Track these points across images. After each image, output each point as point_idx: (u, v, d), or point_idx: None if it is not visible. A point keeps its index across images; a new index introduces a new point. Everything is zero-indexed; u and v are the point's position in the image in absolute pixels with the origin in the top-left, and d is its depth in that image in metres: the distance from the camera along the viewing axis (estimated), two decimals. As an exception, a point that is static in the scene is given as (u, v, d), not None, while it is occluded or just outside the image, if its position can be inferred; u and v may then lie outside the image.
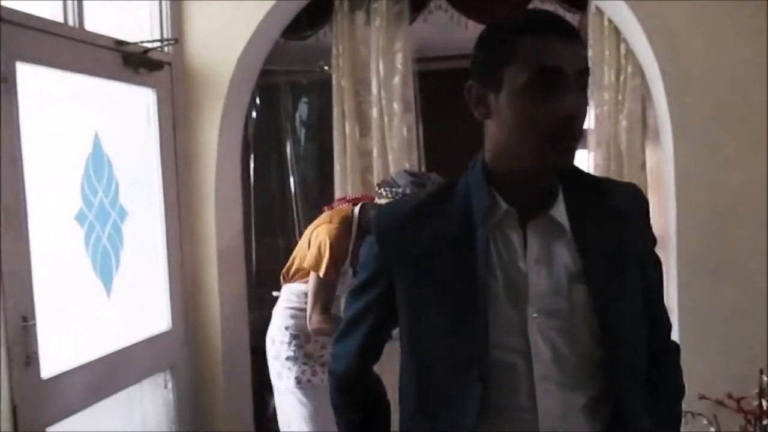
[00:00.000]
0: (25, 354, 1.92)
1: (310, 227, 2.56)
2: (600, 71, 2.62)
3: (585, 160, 2.75)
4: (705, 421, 2.24)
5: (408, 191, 2.36)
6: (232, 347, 2.93)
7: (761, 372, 2.10)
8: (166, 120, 2.68)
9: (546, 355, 1.03)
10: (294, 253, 2.60)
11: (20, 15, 1.99)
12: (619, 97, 2.60)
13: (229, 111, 2.84)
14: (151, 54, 2.54)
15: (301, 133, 3.93)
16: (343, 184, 3.00)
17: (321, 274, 2.38)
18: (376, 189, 2.49)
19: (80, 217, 2.21)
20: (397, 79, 2.86)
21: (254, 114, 3.61)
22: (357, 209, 2.51)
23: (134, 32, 2.56)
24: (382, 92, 2.87)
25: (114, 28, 2.43)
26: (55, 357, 2.05)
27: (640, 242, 1.11)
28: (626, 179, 2.59)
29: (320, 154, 3.61)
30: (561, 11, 2.79)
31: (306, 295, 2.48)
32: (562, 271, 1.04)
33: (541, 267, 1.04)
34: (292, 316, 2.53)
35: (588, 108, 1.04)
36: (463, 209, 1.07)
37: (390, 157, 2.91)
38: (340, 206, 2.60)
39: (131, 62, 2.44)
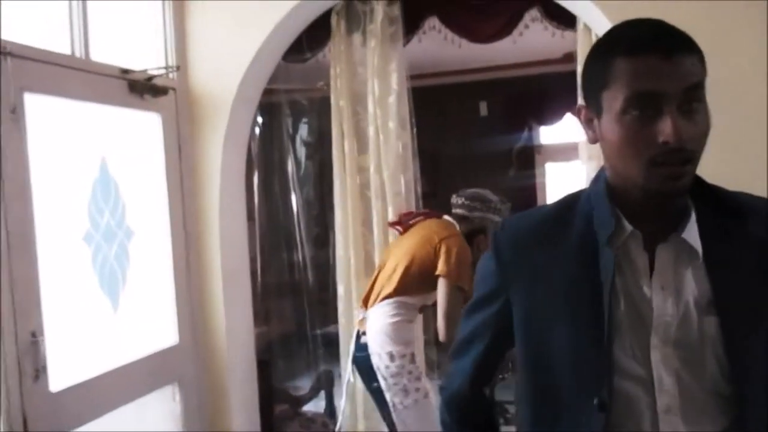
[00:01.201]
0: (34, 368, 2.02)
1: (423, 236, 2.57)
2: (588, 87, 2.68)
3: (578, 172, 2.81)
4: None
5: (499, 206, 2.62)
6: (238, 360, 3.02)
7: None
8: (171, 142, 2.80)
9: (670, 387, 0.96)
10: (393, 265, 2.56)
11: (28, 49, 2.11)
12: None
13: (232, 132, 2.95)
14: (155, 80, 2.66)
15: (302, 150, 4.05)
16: (343, 200, 3.09)
17: (462, 283, 2.41)
18: (461, 203, 2.67)
19: (88, 238, 2.33)
20: (392, 98, 2.96)
21: (257, 132, 3.73)
22: (454, 222, 2.63)
23: (139, 60, 2.69)
24: (378, 111, 2.96)
25: (119, 57, 2.56)
26: (64, 371, 2.16)
27: None
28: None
29: (320, 170, 3.72)
30: (551, 29, 2.88)
31: (414, 307, 2.56)
32: (691, 300, 0.97)
33: (667, 294, 0.98)
34: (410, 330, 2.58)
35: (705, 124, 0.94)
36: (585, 227, 1.01)
37: (385, 174, 3.00)
38: (441, 220, 2.68)
39: (136, 89, 2.56)
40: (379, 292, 2.57)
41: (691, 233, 0.97)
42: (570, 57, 3.17)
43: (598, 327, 0.96)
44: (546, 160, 6.88)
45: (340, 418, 3.11)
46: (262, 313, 3.41)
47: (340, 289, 3.11)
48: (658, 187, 0.93)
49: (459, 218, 2.66)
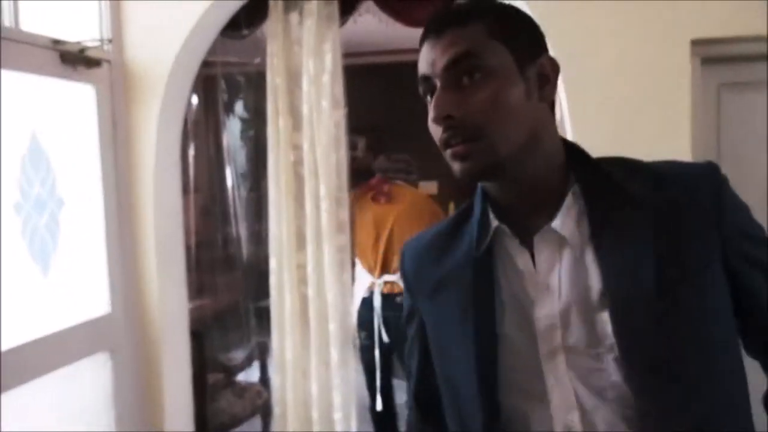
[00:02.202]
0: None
1: (411, 205, 3.14)
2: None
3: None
4: None
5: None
6: (171, 331, 3.08)
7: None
8: (105, 114, 2.81)
9: (563, 401, 0.88)
10: (407, 230, 3.03)
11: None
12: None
13: (168, 105, 2.97)
14: (89, 52, 2.67)
15: (238, 125, 4.09)
16: (277, 175, 3.16)
17: None
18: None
19: (17, 208, 2.35)
20: (326, 78, 3.03)
21: (194, 104, 3.74)
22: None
23: (74, 31, 2.68)
24: (312, 90, 3.04)
25: (52, 28, 2.56)
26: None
27: (705, 247, 0.87)
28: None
29: (256, 146, 3.77)
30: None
31: None
32: (578, 297, 0.87)
33: (552, 293, 0.89)
34: None
35: (486, 95, 0.86)
36: (471, 233, 0.96)
37: (318, 152, 3.09)
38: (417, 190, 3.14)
39: (69, 60, 2.56)
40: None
41: (566, 222, 0.89)
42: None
43: (476, 342, 0.91)
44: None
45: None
46: (196, 286, 3.47)
47: (273, 263, 3.20)
48: (455, 169, 0.88)
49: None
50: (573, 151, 0.95)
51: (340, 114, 3.09)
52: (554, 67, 0.92)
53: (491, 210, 0.94)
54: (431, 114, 0.88)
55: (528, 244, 0.91)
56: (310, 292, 3.13)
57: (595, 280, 0.87)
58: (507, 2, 0.96)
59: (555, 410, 0.89)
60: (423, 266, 1.03)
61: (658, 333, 0.84)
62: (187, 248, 3.37)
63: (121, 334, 2.89)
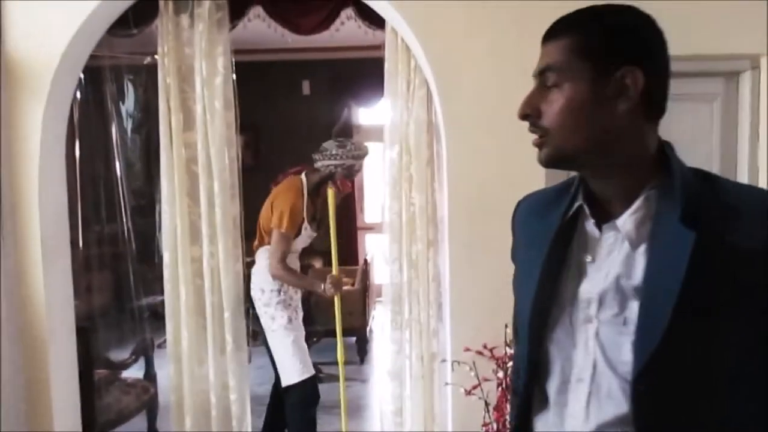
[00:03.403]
0: None
1: (270, 198, 3.38)
2: (394, 82, 3.09)
3: (382, 154, 3.21)
4: (467, 368, 2.80)
5: (334, 152, 3.29)
6: (57, 328, 3.06)
7: (506, 326, 2.68)
8: (-12, 110, 2.77)
9: (582, 359, 1.03)
10: (259, 222, 3.39)
11: None
12: (409, 104, 3.09)
13: (53, 102, 2.96)
14: (-29, 47, 2.63)
15: (128, 121, 4.08)
16: (170, 172, 3.23)
17: (282, 229, 3.19)
18: (313, 157, 3.35)
19: None
20: (218, 80, 3.15)
21: (79, 97, 3.70)
22: (303, 177, 3.35)
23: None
24: (205, 91, 3.15)
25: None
26: None
27: (747, 288, 0.93)
28: (414, 173, 3.10)
29: (146, 142, 3.79)
30: (364, 28, 3.25)
31: (291, 253, 3.29)
32: (617, 281, 1.00)
33: (598, 272, 1.02)
34: None
35: (558, 104, 1.01)
36: (564, 203, 1.09)
37: (212, 150, 3.20)
38: (289, 177, 3.42)
39: (-50, 55, 2.52)
40: (256, 243, 3.41)
41: (628, 221, 1.00)
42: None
43: (537, 289, 1.07)
44: (364, 139, 7.35)
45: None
46: (84, 283, 3.45)
47: (166, 257, 3.27)
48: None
49: (313, 170, 3.38)
50: (667, 158, 1.03)
51: (231, 115, 3.22)
52: (635, 79, 0.99)
53: (583, 190, 1.07)
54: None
55: (600, 228, 1.04)
56: (206, 283, 3.23)
57: (638, 275, 0.98)
58: (612, 9, 1.05)
59: (575, 366, 1.04)
60: (527, 220, 1.18)
61: (669, 339, 0.93)
62: (74, 244, 3.35)
63: (5, 333, 2.86)
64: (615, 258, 1.02)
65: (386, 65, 3.08)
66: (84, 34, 2.96)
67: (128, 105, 4.11)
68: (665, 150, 1.04)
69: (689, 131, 2.94)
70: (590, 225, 1.05)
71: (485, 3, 2.75)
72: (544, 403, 1.10)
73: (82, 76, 3.29)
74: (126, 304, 4.80)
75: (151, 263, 4.41)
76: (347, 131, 7.63)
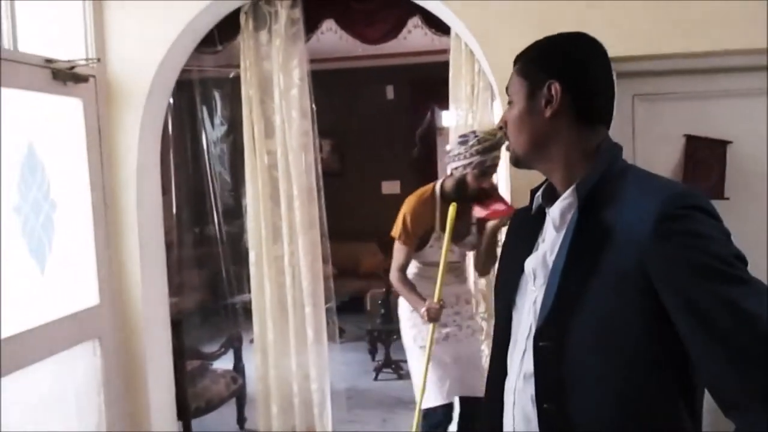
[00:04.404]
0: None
1: None
2: (459, 86, 3.19)
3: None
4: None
5: (457, 151, 2.78)
6: (153, 321, 3.37)
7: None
8: (92, 124, 3.10)
9: (525, 322, 1.23)
10: None
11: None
12: (473, 107, 3.17)
13: (148, 115, 3.27)
14: (77, 69, 2.96)
15: (217, 131, 4.38)
16: (253, 177, 3.48)
17: (397, 238, 2.93)
18: (446, 160, 2.93)
19: (17, 209, 2.64)
20: (294, 91, 3.36)
21: (175, 112, 4.03)
22: (439, 182, 2.98)
23: (64, 50, 2.98)
24: (283, 102, 3.37)
25: (45, 48, 2.85)
26: (-2, 326, 2.48)
27: (631, 265, 1.07)
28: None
29: (233, 150, 4.08)
30: (430, 35, 3.36)
31: (420, 264, 3.01)
32: (546, 260, 1.20)
33: (537, 250, 1.24)
34: (424, 287, 2.93)
35: (511, 117, 1.25)
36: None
37: (290, 157, 3.41)
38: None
39: (59, 77, 2.85)
40: None
41: (556, 208, 1.21)
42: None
43: (513, 264, 1.30)
44: (446, 142, 7.42)
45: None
46: (181, 281, 3.76)
47: (252, 255, 3.52)
48: None
49: (449, 175, 2.92)
50: (603, 155, 1.19)
51: (308, 123, 3.42)
52: (557, 90, 1.18)
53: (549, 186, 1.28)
54: None
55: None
56: (287, 280, 3.45)
57: (554, 253, 1.18)
58: (548, 39, 1.26)
59: (521, 327, 1.24)
60: (520, 212, 1.42)
61: (558, 305, 1.13)
62: (169, 245, 3.67)
63: (108, 324, 3.19)
64: (548, 238, 1.24)
65: (451, 70, 3.18)
66: (176, 50, 3.24)
67: (216, 115, 4.42)
68: (601, 149, 1.21)
69: (762, 127, 2.85)
70: (547, 212, 1.26)
71: (544, 8, 2.80)
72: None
73: (177, 92, 3.59)
74: (220, 301, 5.17)
75: (242, 263, 4.72)
76: (431, 134, 7.77)
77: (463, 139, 2.81)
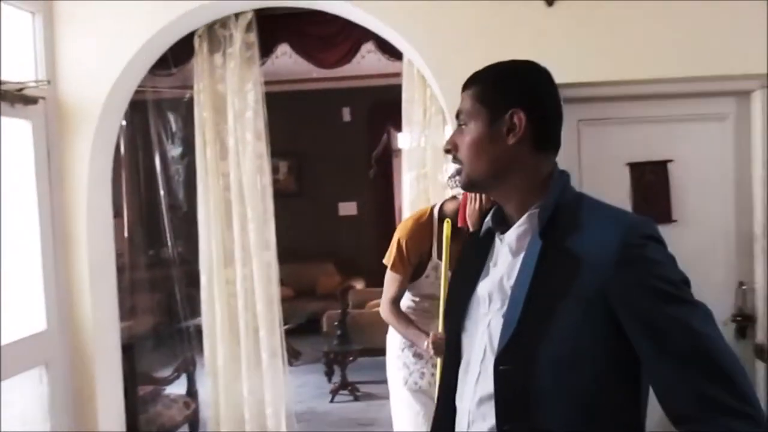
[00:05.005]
0: None
1: None
2: (411, 110, 3.25)
3: (402, 179, 3.36)
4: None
5: (454, 172, 2.38)
6: (104, 347, 3.30)
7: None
8: (41, 146, 3.06)
9: (478, 346, 1.23)
10: None
11: None
12: (426, 130, 3.24)
13: (100, 137, 3.23)
14: (26, 90, 2.92)
15: (170, 152, 4.36)
16: (206, 200, 3.47)
17: (389, 269, 2.57)
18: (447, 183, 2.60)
19: (-39, 234, 2.58)
20: (249, 113, 3.38)
21: (125, 131, 3.98)
22: (437, 206, 2.64)
23: (14, 71, 2.93)
24: (237, 124, 3.38)
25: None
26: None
27: (594, 290, 1.11)
28: (431, 197, 3.23)
29: (188, 172, 4.06)
30: (384, 60, 3.42)
31: (415, 297, 2.66)
32: (502, 284, 1.21)
33: (490, 275, 1.25)
34: (421, 321, 2.59)
35: (466, 142, 1.23)
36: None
37: (244, 179, 3.42)
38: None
39: (7, 98, 2.81)
40: None
41: (512, 233, 1.23)
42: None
43: (465, 285, 1.30)
44: (402, 163, 7.51)
45: None
46: (134, 304, 3.70)
47: (203, 279, 3.50)
48: None
49: (451, 198, 2.62)
50: (557, 182, 1.23)
51: (263, 145, 3.43)
52: (520, 119, 1.20)
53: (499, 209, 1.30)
54: None
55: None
56: (240, 303, 3.43)
57: (512, 278, 1.20)
58: (506, 65, 1.28)
59: (474, 350, 1.24)
60: (472, 235, 1.44)
61: (521, 329, 1.15)
62: (120, 269, 3.61)
63: (56, 350, 3.11)
64: (503, 263, 1.24)
65: (404, 95, 3.25)
66: (129, 72, 3.23)
67: (170, 137, 4.40)
68: (556, 175, 1.24)
69: (704, 151, 2.98)
70: (498, 237, 1.28)
71: (493, 35, 2.89)
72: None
73: (130, 114, 3.56)
74: (174, 324, 5.09)
75: (196, 286, 4.67)
76: (387, 155, 7.84)
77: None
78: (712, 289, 1.08)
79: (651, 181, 2.98)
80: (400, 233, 2.60)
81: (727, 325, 2.93)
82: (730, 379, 1.06)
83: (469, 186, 1.29)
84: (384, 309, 2.59)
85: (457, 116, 1.28)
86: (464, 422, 1.25)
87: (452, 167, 2.56)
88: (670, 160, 2.94)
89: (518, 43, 2.87)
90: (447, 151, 1.30)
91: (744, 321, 2.97)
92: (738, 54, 2.84)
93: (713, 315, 1.12)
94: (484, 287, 1.26)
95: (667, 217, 2.93)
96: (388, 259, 2.60)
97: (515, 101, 1.21)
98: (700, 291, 1.15)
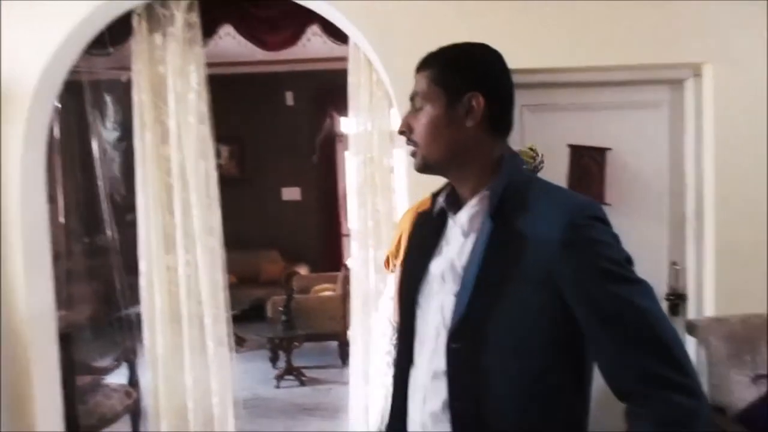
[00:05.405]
0: None
1: None
2: (357, 94, 3.24)
3: (349, 164, 3.36)
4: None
5: None
6: (40, 336, 3.19)
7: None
8: (-31, 128, 2.91)
9: (431, 324, 1.26)
10: None
11: None
12: (372, 115, 3.23)
13: (33, 120, 3.10)
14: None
15: (109, 136, 4.22)
16: (145, 185, 3.37)
17: (398, 264, 2.29)
18: None
19: None
20: (191, 96, 3.29)
21: (59, 113, 3.81)
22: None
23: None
24: (178, 107, 3.28)
25: None
26: None
27: (542, 270, 1.13)
28: (378, 182, 3.24)
29: (126, 157, 3.93)
30: (329, 43, 3.40)
31: None
32: (454, 264, 1.23)
33: (443, 254, 1.27)
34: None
35: (422, 123, 1.24)
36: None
37: (187, 163, 3.33)
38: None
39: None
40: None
41: (463, 214, 1.26)
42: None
43: (422, 261, 1.32)
44: (346, 148, 7.50)
45: None
46: (72, 293, 3.58)
47: (143, 266, 3.41)
48: None
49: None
50: (508, 164, 1.25)
51: (206, 128, 3.36)
52: (478, 102, 1.21)
53: (453, 190, 1.32)
54: None
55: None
56: (182, 290, 3.36)
57: (465, 257, 1.22)
58: (463, 47, 1.28)
59: (428, 328, 1.27)
60: (422, 215, 1.44)
61: (472, 307, 1.18)
62: (57, 256, 3.48)
63: (-11, 341, 2.99)
64: (455, 244, 1.26)
65: (349, 79, 3.23)
66: (64, 52, 3.10)
67: (108, 120, 4.25)
68: (505, 158, 1.26)
69: (640, 137, 3.09)
70: (450, 217, 1.31)
71: (440, 20, 2.90)
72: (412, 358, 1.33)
73: (65, 97, 3.40)
74: (113, 313, 4.95)
75: (137, 273, 4.55)
76: (331, 140, 7.79)
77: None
78: (646, 270, 1.12)
79: (588, 164, 3.06)
80: (402, 226, 2.39)
81: (660, 303, 3.06)
82: (671, 353, 1.11)
83: (423, 168, 1.29)
84: (388, 307, 2.36)
85: (412, 98, 1.28)
86: (419, 397, 1.29)
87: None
88: (609, 149, 3.03)
89: (465, 28, 2.89)
90: (401, 133, 1.30)
91: (676, 299, 3.11)
92: (672, 44, 2.95)
93: (654, 292, 1.17)
94: (437, 266, 1.27)
95: (600, 199, 3.01)
96: (394, 254, 2.39)
97: (473, 84, 1.23)
98: (636, 271, 1.18)
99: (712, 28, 2.93)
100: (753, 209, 2.94)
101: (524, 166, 2.36)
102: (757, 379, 2.71)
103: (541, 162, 2.61)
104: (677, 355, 1.11)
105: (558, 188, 1.27)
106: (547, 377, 1.18)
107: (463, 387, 1.20)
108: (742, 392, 2.69)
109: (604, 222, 1.19)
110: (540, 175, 1.32)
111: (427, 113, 1.25)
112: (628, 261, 1.18)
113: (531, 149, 2.65)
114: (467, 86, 1.22)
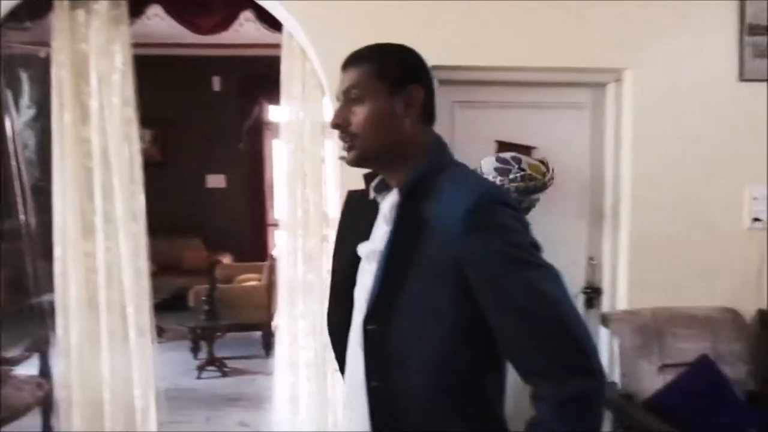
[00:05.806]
0: None
1: None
2: (290, 83, 3.21)
3: (280, 153, 3.32)
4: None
5: (493, 176, 2.41)
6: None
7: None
8: None
9: (362, 296, 1.31)
10: None
11: None
12: (305, 104, 3.21)
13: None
14: None
15: (24, 114, 4.01)
16: (62, 167, 3.21)
17: None
18: None
19: None
20: (116, 76, 3.16)
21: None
22: None
23: None
24: (102, 87, 3.15)
25: None
26: None
27: (447, 255, 1.16)
28: (308, 172, 3.22)
29: (42, 137, 3.74)
30: (262, 30, 3.34)
31: None
32: (375, 248, 1.29)
33: (369, 239, 1.33)
34: None
35: (361, 115, 1.25)
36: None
37: (110, 146, 3.21)
38: None
39: None
40: None
41: (386, 202, 1.31)
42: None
43: (351, 246, 1.39)
44: (274, 137, 7.41)
45: None
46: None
47: (57, 252, 3.26)
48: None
49: None
50: (433, 151, 1.30)
51: (131, 110, 3.24)
52: (418, 94, 1.27)
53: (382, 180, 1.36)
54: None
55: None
56: (101, 278, 3.24)
57: (383, 243, 1.27)
58: (393, 46, 1.33)
59: (359, 299, 1.32)
60: (355, 194, 1.46)
61: (383, 290, 1.24)
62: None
63: None
64: (379, 230, 1.32)
65: (282, 67, 3.19)
66: (-26, 26, 2.92)
67: (23, 98, 4.03)
68: (431, 146, 1.31)
69: (563, 136, 3.21)
70: (380, 204, 1.36)
71: (377, 8, 2.92)
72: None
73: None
74: (23, 300, 4.71)
75: (52, 259, 4.35)
76: (259, 128, 7.67)
77: (504, 166, 2.50)
78: (565, 264, 1.18)
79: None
80: None
81: (577, 296, 3.21)
82: (573, 335, 1.14)
83: (360, 161, 1.31)
84: None
85: (347, 92, 1.29)
86: (350, 369, 1.36)
87: (489, 166, 2.59)
88: (534, 147, 3.13)
89: (399, 24, 2.92)
90: (336, 127, 1.30)
91: (592, 293, 3.26)
92: (595, 49, 3.08)
93: (561, 277, 1.19)
94: (363, 249, 1.34)
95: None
96: None
97: (413, 77, 1.29)
98: (556, 266, 1.22)
99: (633, 36, 3.07)
100: (665, 207, 3.12)
101: (531, 182, 2.55)
102: (663, 368, 2.88)
103: (551, 178, 2.63)
104: (579, 337, 1.14)
105: (470, 175, 1.32)
106: (457, 360, 1.21)
107: (378, 367, 1.24)
108: (650, 381, 2.85)
109: (511, 207, 1.21)
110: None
111: (369, 106, 1.26)
112: (535, 246, 1.21)
113: (542, 162, 2.65)
114: (408, 79, 1.28)
